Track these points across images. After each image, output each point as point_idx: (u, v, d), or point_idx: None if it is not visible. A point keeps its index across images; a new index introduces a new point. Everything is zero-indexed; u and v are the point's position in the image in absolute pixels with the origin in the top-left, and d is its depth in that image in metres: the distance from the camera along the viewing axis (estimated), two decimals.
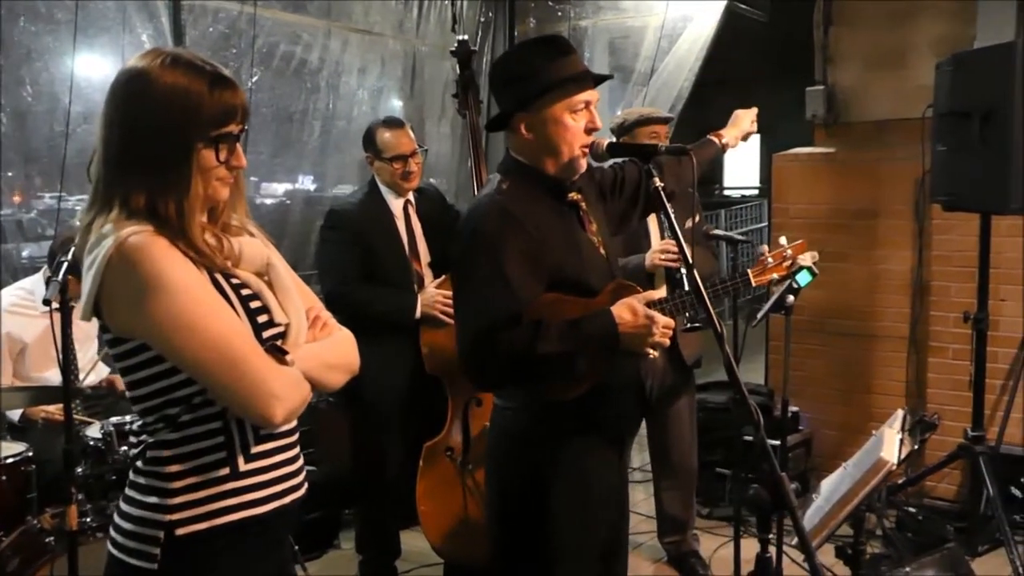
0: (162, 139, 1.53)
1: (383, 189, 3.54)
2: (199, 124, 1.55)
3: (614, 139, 3.17)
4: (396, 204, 3.53)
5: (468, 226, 2.18)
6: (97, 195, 1.57)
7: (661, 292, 2.27)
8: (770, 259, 2.68)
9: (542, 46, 2.21)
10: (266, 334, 1.60)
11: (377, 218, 3.48)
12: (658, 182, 2.06)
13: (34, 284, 3.54)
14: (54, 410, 3.34)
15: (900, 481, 4.10)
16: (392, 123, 3.54)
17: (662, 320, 2.10)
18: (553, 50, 2.17)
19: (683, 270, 3.28)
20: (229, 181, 1.62)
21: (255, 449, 1.61)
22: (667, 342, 2.14)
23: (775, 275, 2.69)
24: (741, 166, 16.25)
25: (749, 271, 2.66)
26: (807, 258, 2.72)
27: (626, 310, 2.09)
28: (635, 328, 2.08)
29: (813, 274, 2.73)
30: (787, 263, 2.68)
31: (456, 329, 2.18)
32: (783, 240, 2.71)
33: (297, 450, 1.73)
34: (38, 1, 3.88)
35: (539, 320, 2.06)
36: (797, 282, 2.79)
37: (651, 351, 2.13)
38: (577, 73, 2.15)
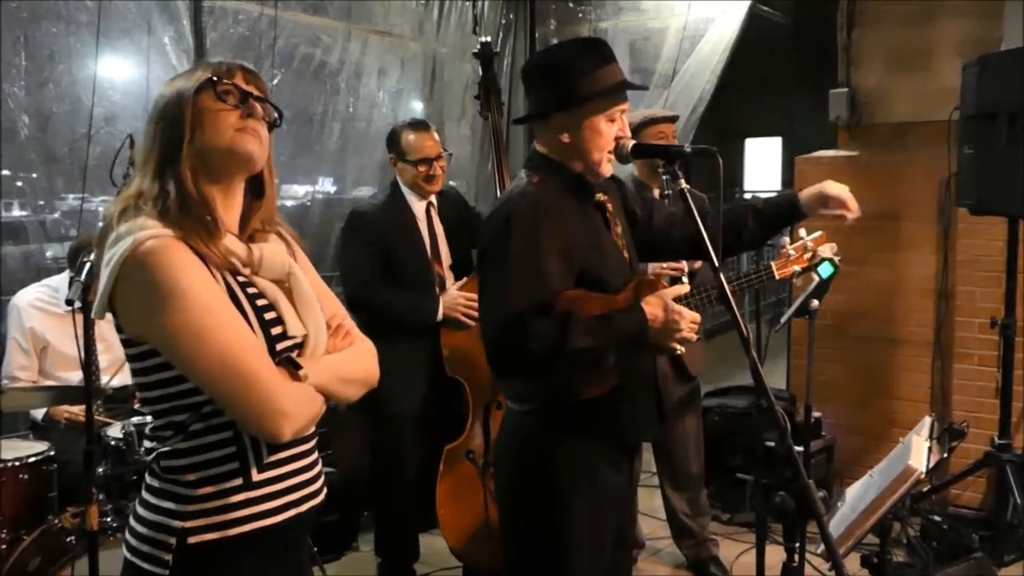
0: (165, 130, 1.57)
1: (405, 191, 3.52)
2: (192, 92, 1.57)
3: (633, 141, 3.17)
4: (418, 206, 3.52)
5: (502, 213, 2.17)
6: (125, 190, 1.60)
7: (686, 287, 2.26)
8: (791, 251, 2.70)
9: (589, 49, 2.23)
10: (279, 346, 1.59)
11: (399, 220, 3.47)
12: (684, 184, 2.05)
13: (60, 283, 3.56)
14: (77, 410, 3.36)
15: (925, 489, 4.06)
16: (417, 125, 3.52)
17: (689, 315, 2.12)
18: (598, 56, 2.19)
19: (684, 279, 3.27)
20: (253, 133, 1.59)
21: (269, 458, 1.59)
22: (695, 337, 2.14)
23: (797, 267, 2.70)
24: (762, 169, 16.20)
25: (772, 263, 2.69)
26: (827, 249, 2.74)
27: (655, 305, 2.09)
28: (664, 324, 2.09)
29: (835, 266, 2.75)
30: (808, 255, 2.70)
31: (482, 316, 2.18)
32: (803, 232, 2.72)
33: (315, 456, 1.70)
34: (60, 2, 3.91)
35: (568, 312, 2.05)
36: (819, 274, 2.80)
37: (678, 346, 2.12)
38: (619, 83, 2.18)
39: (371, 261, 3.42)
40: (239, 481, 1.56)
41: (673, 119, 3.68)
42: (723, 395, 4.81)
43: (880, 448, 4.04)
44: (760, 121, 15.02)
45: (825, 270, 2.75)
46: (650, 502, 4.43)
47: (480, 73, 3.69)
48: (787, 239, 2.75)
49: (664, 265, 3.29)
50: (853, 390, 4.81)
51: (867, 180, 4.77)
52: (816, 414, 4.51)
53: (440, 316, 3.37)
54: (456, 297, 3.38)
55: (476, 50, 3.70)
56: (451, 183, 4.39)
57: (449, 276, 3.52)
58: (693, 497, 3.85)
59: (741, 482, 4.42)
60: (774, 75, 12.37)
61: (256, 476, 1.57)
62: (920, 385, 4.64)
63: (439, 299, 3.40)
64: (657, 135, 3.50)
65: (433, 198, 3.56)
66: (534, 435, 2.20)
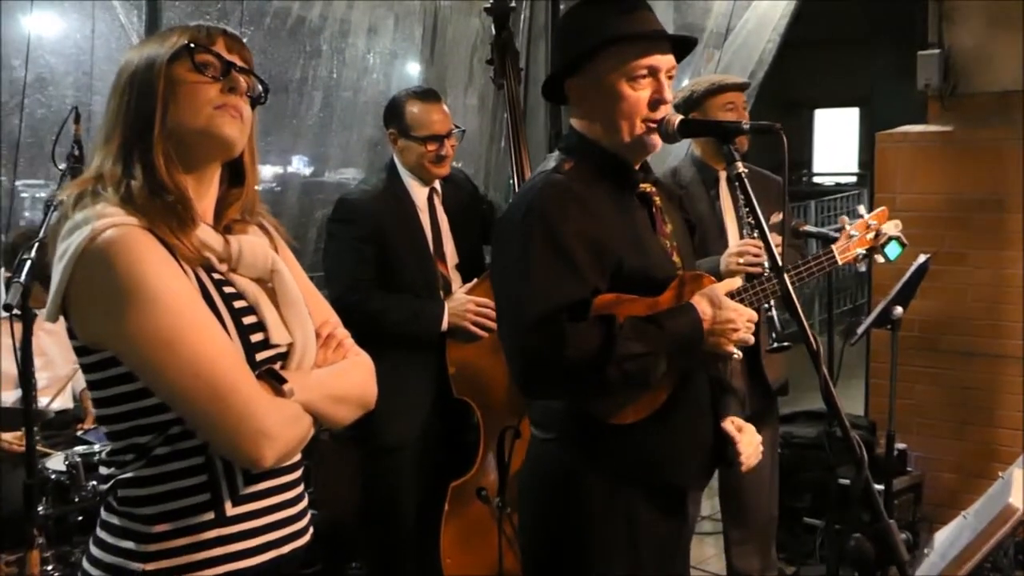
0: (132, 103, 1.62)
1: (404, 175, 3.52)
2: (165, 61, 1.62)
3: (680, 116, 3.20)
4: (420, 194, 3.52)
5: (522, 201, 2.19)
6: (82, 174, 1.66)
7: (738, 282, 2.32)
8: (853, 231, 2.80)
9: (606, 1, 2.23)
10: (260, 356, 1.62)
11: (397, 210, 3.47)
12: (741, 167, 2.08)
13: None
14: (11, 438, 3.41)
15: None
16: (425, 95, 3.53)
17: (746, 312, 2.15)
18: (616, 4, 2.19)
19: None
20: (234, 114, 1.65)
21: (246, 490, 1.63)
22: (751, 339, 2.18)
23: (860, 249, 2.81)
24: (836, 147, 16.18)
25: (833, 248, 2.79)
26: (892, 227, 2.85)
27: (706, 303, 2.13)
28: (718, 323, 2.12)
29: (903, 245, 2.85)
30: (871, 235, 2.80)
31: (502, 322, 2.19)
32: (862, 209, 2.83)
33: (299, 489, 1.74)
34: None
35: (609, 315, 2.06)
36: (887, 256, 2.92)
37: (735, 351, 2.16)
38: (638, 31, 2.16)
39: (363, 259, 3.43)
40: (210, 516, 1.60)
41: (744, 86, 3.71)
42: (788, 422, 4.82)
43: (977, 486, 4.07)
44: (833, 89, 15.03)
45: (892, 251, 2.87)
46: (698, 551, 4.46)
47: (492, 31, 3.72)
48: (845, 217, 2.88)
49: (740, 261, 3.33)
50: (945, 416, 4.83)
51: (963, 161, 4.80)
52: (900, 445, 4.54)
53: (445, 326, 3.40)
54: (464, 303, 3.41)
55: (488, 4, 3.73)
56: (455, 164, 4.42)
57: (455, 277, 3.54)
58: (763, 550, 3.84)
59: (809, 528, 4.44)
60: (850, 33, 12.39)
61: (230, 510, 1.61)
62: None
63: (444, 305, 3.42)
64: (725, 105, 3.53)
65: (437, 184, 3.57)
66: (562, 469, 2.22)
